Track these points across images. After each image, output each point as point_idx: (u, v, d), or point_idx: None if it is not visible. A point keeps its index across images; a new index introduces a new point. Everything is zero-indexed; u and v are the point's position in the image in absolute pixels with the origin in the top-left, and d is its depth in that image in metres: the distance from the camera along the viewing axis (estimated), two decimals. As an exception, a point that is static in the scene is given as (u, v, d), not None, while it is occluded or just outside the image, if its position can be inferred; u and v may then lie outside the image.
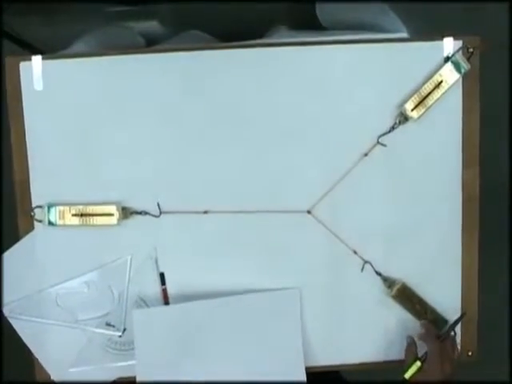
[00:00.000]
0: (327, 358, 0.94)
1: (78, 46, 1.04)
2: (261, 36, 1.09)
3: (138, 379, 0.90)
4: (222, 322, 0.90)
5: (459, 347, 0.95)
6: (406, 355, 0.91)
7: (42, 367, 0.93)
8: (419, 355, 0.89)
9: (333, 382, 1.05)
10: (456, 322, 0.92)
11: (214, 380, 0.90)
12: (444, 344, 0.88)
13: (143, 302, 0.91)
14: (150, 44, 1.16)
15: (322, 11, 1.14)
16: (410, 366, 0.88)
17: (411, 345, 0.92)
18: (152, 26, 1.26)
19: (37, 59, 0.89)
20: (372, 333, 0.94)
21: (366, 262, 0.92)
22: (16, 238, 0.92)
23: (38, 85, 0.89)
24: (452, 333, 0.91)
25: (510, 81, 0.91)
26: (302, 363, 0.90)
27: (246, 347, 0.91)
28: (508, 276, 1.54)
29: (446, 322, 0.94)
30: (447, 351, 0.88)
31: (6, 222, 0.98)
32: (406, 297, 0.92)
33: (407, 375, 0.87)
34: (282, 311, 0.91)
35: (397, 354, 0.94)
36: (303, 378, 0.90)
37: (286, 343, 0.91)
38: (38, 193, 0.91)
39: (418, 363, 0.87)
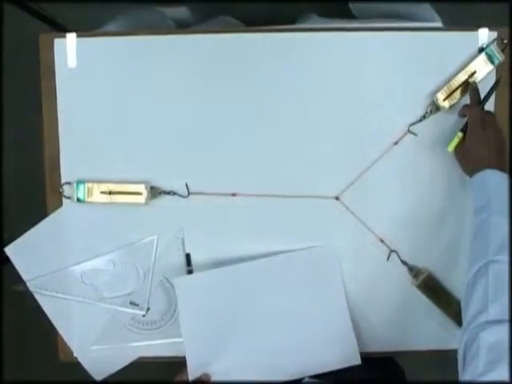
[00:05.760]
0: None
1: (110, 27, 1.05)
2: (291, 23, 1.09)
3: (186, 347, 0.89)
4: (266, 281, 0.89)
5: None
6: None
7: (65, 344, 0.93)
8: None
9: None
10: (493, 87, 0.86)
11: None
12: (486, 112, 0.84)
13: (168, 282, 0.91)
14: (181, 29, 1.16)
15: (355, 2, 1.14)
16: (451, 140, 0.84)
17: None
18: (181, 11, 1.26)
19: (71, 36, 0.89)
20: (396, 322, 0.93)
21: (392, 250, 0.91)
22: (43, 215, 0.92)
23: (72, 62, 0.89)
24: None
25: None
26: (348, 318, 0.89)
27: (292, 304, 0.89)
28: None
29: (470, 314, 0.93)
30: (490, 118, 0.83)
31: (32, 199, 0.98)
32: (432, 287, 0.91)
33: (450, 148, 0.84)
34: (323, 267, 0.90)
35: (421, 343, 0.93)
36: (351, 332, 0.89)
37: (330, 299, 0.90)
38: (67, 170, 0.92)
39: (460, 134, 0.84)
